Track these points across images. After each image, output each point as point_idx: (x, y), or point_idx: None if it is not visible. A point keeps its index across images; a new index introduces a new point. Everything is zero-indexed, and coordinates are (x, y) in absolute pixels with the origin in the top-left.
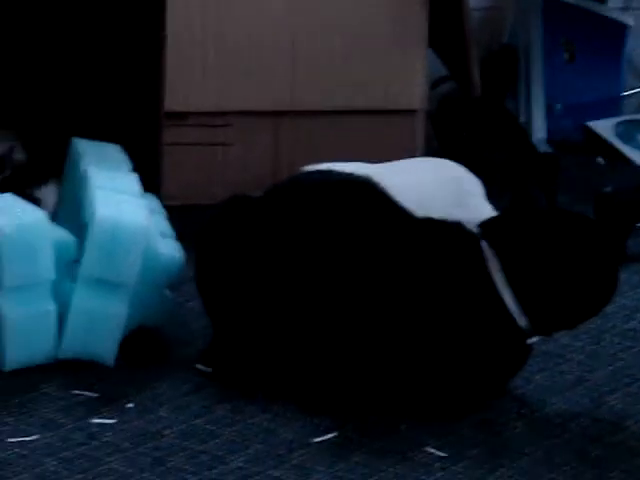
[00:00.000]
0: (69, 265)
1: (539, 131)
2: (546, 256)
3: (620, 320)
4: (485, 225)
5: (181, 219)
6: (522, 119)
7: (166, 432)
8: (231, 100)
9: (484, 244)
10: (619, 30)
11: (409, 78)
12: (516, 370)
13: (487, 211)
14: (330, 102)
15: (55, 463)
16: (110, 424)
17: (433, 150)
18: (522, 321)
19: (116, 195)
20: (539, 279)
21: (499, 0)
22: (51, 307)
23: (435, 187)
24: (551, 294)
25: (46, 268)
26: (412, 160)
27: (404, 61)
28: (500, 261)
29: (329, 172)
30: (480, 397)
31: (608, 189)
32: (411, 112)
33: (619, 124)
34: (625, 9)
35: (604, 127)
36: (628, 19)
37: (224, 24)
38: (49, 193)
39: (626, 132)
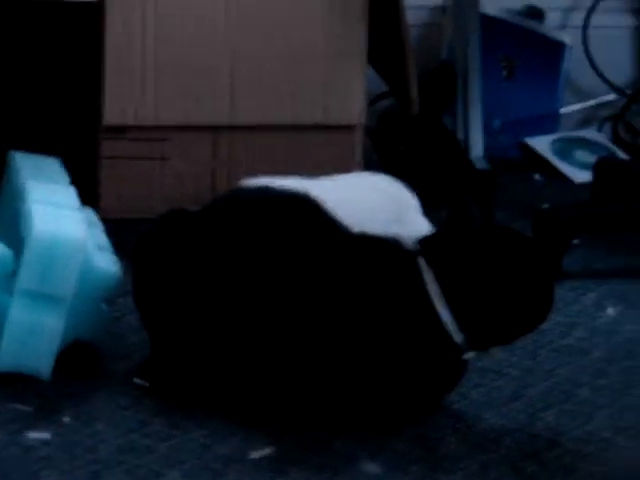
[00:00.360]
0: (6, 278)
1: (477, 148)
2: (482, 272)
3: (556, 336)
4: (422, 241)
5: (119, 233)
6: (460, 136)
7: (102, 446)
8: (169, 114)
9: (421, 260)
10: (557, 48)
11: (348, 94)
12: (452, 385)
13: (424, 227)
14: (269, 117)
15: None
16: (46, 438)
17: (372, 166)
18: (458, 337)
19: (54, 209)
20: (475, 295)
21: (438, 17)
22: None
23: (373, 203)
24: (487, 310)
25: None
26: (351, 175)
27: (343, 77)
28: (437, 277)
29: (267, 187)
30: (416, 412)
31: (545, 206)
32: (350, 128)
33: (556, 141)
34: (562, 27)
35: (541, 144)
36: (565, 37)
37: (163, 38)
38: None
39: (563, 149)
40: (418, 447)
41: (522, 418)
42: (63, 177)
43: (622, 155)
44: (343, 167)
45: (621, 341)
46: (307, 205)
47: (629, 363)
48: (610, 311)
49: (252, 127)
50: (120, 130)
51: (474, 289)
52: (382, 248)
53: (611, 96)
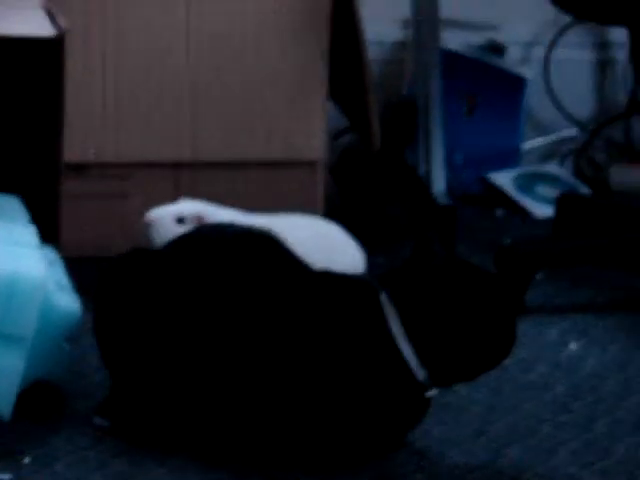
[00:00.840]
0: None
1: (438, 183)
2: (445, 308)
3: (519, 372)
4: (384, 277)
5: (80, 271)
6: (422, 171)
7: None
8: (130, 151)
9: (383, 296)
10: (518, 83)
11: (309, 129)
12: (415, 423)
13: (357, 266)
14: (230, 153)
15: None
16: (6, 479)
17: (334, 201)
18: (420, 374)
19: (13, 247)
20: (438, 332)
21: (399, 52)
22: None
23: (311, 243)
24: (450, 347)
25: None
26: (286, 215)
27: (304, 112)
28: (399, 313)
29: (229, 225)
30: (379, 449)
31: (507, 241)
32: (311, 163)
33: (518, 176)
34: (524, 62)
35: (503, 179)
36: (526, 72)
37: (124, 74)
38: None
39: (525, 184)
40: None
41: (486, 455)
42: (22, 215)
43: (584, 190)
44: (305, 203)
45: (584, 376)
46: (269, 242)
47: (592, 398)
48: (573, 346)
49: (214, 164)
50: (81, 168)
51: (436, 325)
52: (345, 285)
53: (573, 131)
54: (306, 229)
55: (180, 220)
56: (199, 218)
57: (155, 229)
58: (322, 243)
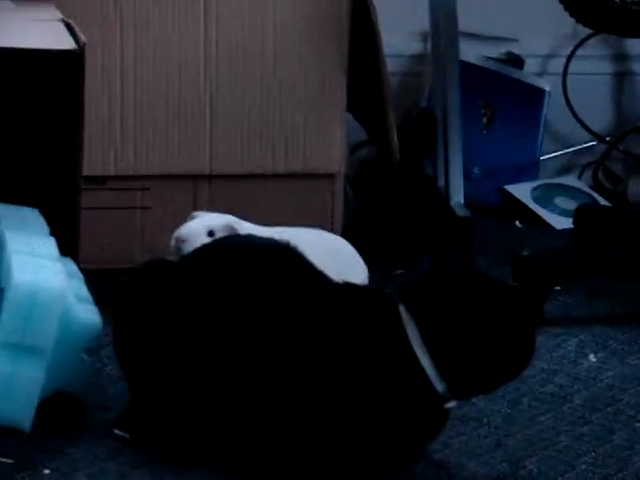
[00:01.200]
0: None
1: (457, 195)
2: (464, 320)
3: (537, 384)
4: (403, 289)
5: (99, 283)
6: (440, 183)
7: None
8: (150, 164)
9: (402, 309)
10: (537, 95)
11: (328, 142)
12: (434, 435)
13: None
14: (248, 166)
15: None
16: None
17: (353, 214)
18: (440, 386)
19: (33, 259)
20: (457, 344)
21: (417, 65)
22: None
23: (321, 256)
24: (469, 359)
25: None
26: (292, 228)
27: (323, 125)
28: (418, 326)
29: (249, 237)
30: (397, 461)
31: (526, 253)
32: (330, 176)
33: (537, 188)
34: (542, 74)
35: (522, 191)
36: (545, 84)
37: (143, 87)
38: None
39: (544, 196)
40: None
41: (504, 467)
42: (42, 227)
43: (602, 202)
44: (323, 216)
45: (602, 388)
46: (290, 255)
47: (610, 410)
48: (592, 358)
49: (232, 176)
50: (100, 180)
51: (455, 337)
52: (365, 297)
53: (591, 143)
54: (315, 242)
55: (211, 233)
56: (230, 230)
57: (189, 244)
58: (330, 256)
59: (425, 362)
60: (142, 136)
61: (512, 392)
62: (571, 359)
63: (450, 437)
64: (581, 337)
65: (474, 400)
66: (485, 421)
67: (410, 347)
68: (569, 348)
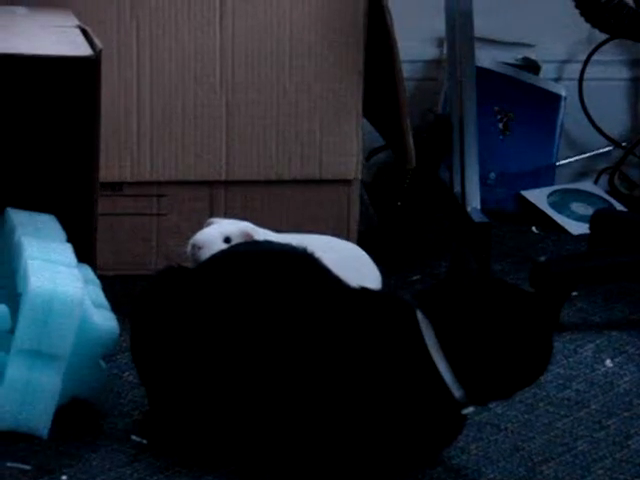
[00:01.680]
0: (3, 336)
1: (473, 200)
2: (481, 326)
3: (554, 389)
4: (420, 295)
5: (116, 289)
6: (456, 188)
7: None
8: (166, 170)
9: (419, 314)
10: (553, 100)
11: (344, 148)
12: (451, 440)
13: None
14: (265, 172)
15: None
16: None
17: (369, 220)
18: (457, 392)
19: (50, 266)
20: (474, 349)
21: (433, 70)
22: None
23: (336, 262)
24: (486, 364)
25: None
26: (311, 235)
27: (339, 131)
28: (435, 331)
29: (265, 243)
30: (414, 466)
31: (543, 258)
32: (347, 182)
33: (553, 193)
34: (558, 79)
35: (538, 196)
36: (561, 89)
37: (159, 94)
38: None
39: (560, 201)
40: None
41: (521, 472)
42: (59, 234)
43: (619, 207)
44: (340, 222)
45: (619, 393)
46: (307, 260)
47: (627, 415)
48: (608, 363)
49: (249, 182)
50: (117, 186)
51: (473, 343)
52: (382, 302)
53: (607, 148)
54: (329, 249)
55: (227, 240)
56: (247, 236)
57: (205, 251)
58: (344, 263)
59: (442, 367)
60: (158, 142)
61: (529, 397)
62: (588, 364)
63: (467, 442)
64: (598, 342)
65: (491, 406)
66: (502, 427)
67: (428, 352)
68: (586, 353)
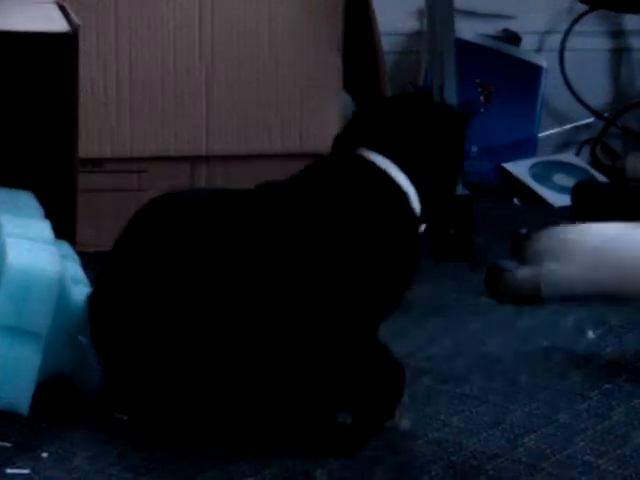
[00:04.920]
0: None
1: None
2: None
3: (535, 361)
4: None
5: (97, 266)
6: None
7: None
8: (146, 146)
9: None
10: (534, 72)
11: (324, 122)
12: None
13: None
14: (246, 146)
15: None
16: (25, 474)
17: None
18: (417, 205)
19: (29, 243)
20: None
21: (414, 43)
22: None
23: None
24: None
25: None
26: None
27: (320, 104)
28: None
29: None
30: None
31: (523, 230)
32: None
33: (535, 165)
34: (539, 51)
35: (520, 168)
36: (542, 61)
37: (138, 69)
38: None
39: (542, 173)
40: (398, 476)
41: (503, 444)
42: (37, 210)
43: (601, 178)
44: None
45: (601, 365)
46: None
47: (609, 387)
48: (590, 334)
49: (229, 157)
50: (96, 162)
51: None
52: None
53: (589, 119)
54: None
55: None
56: None
57: None
58: None
59: (404, 182)
60: (138, 118)
61: (510, 370)
62: (569, 336)
63: (449, 415)
64: (579, 314)
65: (472, 379)
66: (484, 399)
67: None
68: (567, 325)
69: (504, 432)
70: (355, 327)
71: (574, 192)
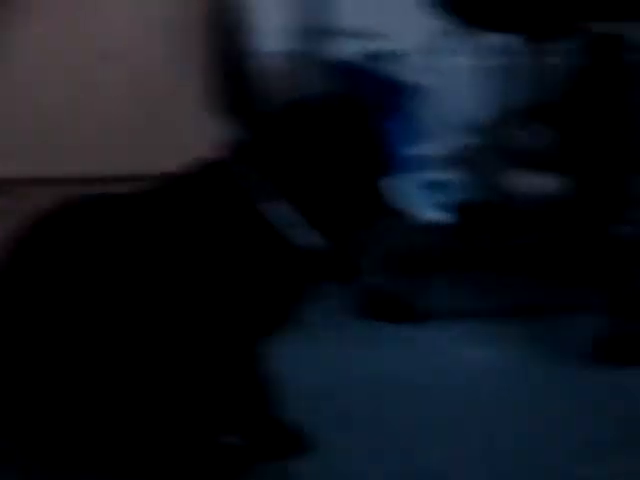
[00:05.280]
0: None
1: None
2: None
3: (403, 378)
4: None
5: None
6: None
7: None
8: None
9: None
10: (408, 90)
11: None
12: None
13: None
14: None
15: None
16: None
17: None
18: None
19: None
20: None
21: (288, 62)
22: None
23: None
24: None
25: None
26: None
27: (169, 128)
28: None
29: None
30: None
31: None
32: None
33: (409, 183)
34: (414, 70)
35: (394, 186)
36: (415, 79)
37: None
38: None
39: (417, 191)
40: None
41: None
42: None
43: (478, 196)
44: None
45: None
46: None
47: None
48: (467, 351)
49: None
50: None
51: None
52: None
53: (464, 136)
54: None
55: None
56: None
57: None
58: None
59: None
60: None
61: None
62: (444, 353)
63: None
64: (459, 330)
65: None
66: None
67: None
68: (443, 342)
69: None
70: (233, 342)
71: (455, 210)
